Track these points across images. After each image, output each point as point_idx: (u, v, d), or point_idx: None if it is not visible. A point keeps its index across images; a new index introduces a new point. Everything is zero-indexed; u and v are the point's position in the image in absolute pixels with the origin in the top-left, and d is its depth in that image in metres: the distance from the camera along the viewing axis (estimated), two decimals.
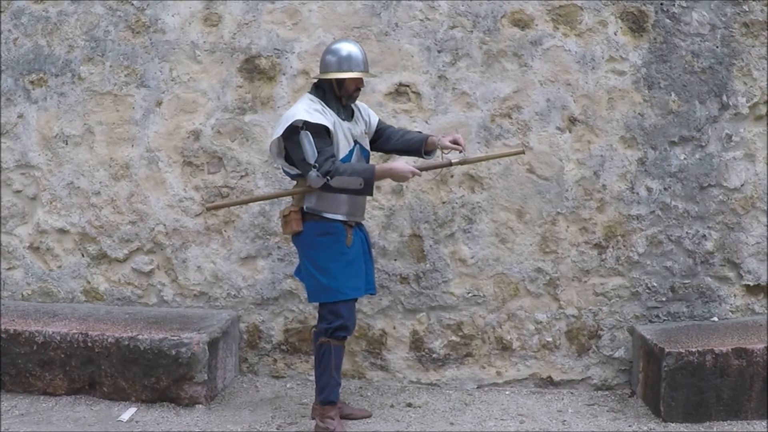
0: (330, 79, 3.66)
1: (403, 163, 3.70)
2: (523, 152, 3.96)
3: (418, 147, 3.85)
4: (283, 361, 4.58)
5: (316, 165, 3.51)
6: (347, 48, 3.67)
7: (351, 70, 3.63)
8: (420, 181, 4.40)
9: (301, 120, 3.53)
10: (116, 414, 4.01)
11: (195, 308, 4.62)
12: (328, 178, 3.51)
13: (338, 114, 3.68)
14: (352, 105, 3.82)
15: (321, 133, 3.56)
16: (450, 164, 3.74)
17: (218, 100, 4.54)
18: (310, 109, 3.58)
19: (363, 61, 3.68)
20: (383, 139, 3.94)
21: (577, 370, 4.46)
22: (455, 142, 3.76)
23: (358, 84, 3.70)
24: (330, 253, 3.67)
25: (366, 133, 3.86)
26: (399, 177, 3.67)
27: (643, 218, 4.40)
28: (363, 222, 3.92)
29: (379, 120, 4.00)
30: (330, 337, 3.71)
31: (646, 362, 4.15)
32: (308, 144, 3.51)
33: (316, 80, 3.76)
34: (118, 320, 4.34)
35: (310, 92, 3.73)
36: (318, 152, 3.52)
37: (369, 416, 4.05)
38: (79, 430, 3.82)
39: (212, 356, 4.16)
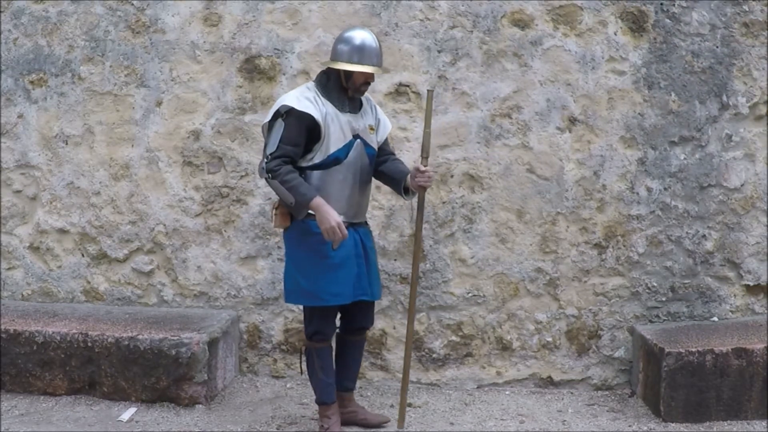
0: (338, 68, 3.53)
1: (335, 215, 3.45)
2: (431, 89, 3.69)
3: (400, 178, 3.68)
4: (283, 361, 4.58)
5: (267, 158, 3.45)
6: (361, 37, 3.51)
7: (361, 63, 3.48)
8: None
9: (287, 106, 3.45)
10: (116, 414, 4.01)
11: (195, 308, 4.62)
12: (269, 176, 3.44)
13: (337, 104, 3.53)
14: (364, 99, 3.68)
15: (303, 123, 3.44)
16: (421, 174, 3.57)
17: (218, 100, 4.54)
18: (301, 96, 3.48)
19: (376, 53, 3.52)
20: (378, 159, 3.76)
21: (577, 370, 4.46)
22: (416, 170, 3.58)
23: (367, 78, 3.54)
24: (312, 255, 3.53)
25: (372, 129, 3.68)
26: (323, 223, 3.43)
27: (643, 218, 4.40)
28: (366, 223, 3.77)
29: (387, 139, 3.81)
30: (310, 341, 3.65)
31: (646, 362, 4.16)
32: (276, 134, 3.44)
33: (324, 68, 3.63)
34: (118, 320, 4.34)
35: (315, 79, 3.62)
36: (279, 146, 3.42)
37: (387, 422, 3.88)
38: (79, 430, 3.82)
39: (212, 356, 4.16)
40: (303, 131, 3.47)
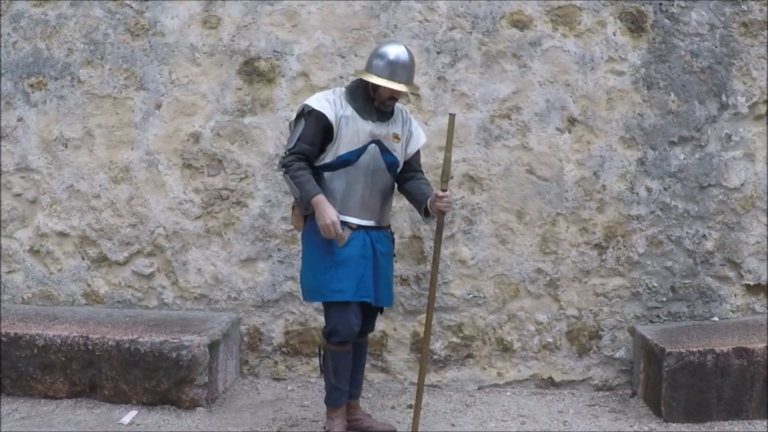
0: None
1: (333, 213, 3.52)
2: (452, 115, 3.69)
3: (421, 200, 3.70)
4: (284, 363, 4.58)
5: (285, 153, 3.60)
6: (395, 53, 3.56)
7: (390, 79, 3.52)
8: None
9: (309, 106, 3.57)
10: (117, 417, 4.01)
11: (195, 311, 4.62)
12: (283, 170, 3.60)
13: (361, 111, 3.58)
14: (397, 110, 3.72)
15: (319, 123, 3.54)
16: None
17: (218, 102, 4.54)
18: (321, 98, 3.60)
19: (408, 71, 3.57)
20: (402, 173, 3.78)
21: (577, 370, 4.46)
22: (436, 197, 3.58)
23: (393, 94, 3.59)
24: (318, 252, 3.62)
25: (397, 138, 3.69)
26: (319, 219, 3.52)
27: (643, 218, 4.40)
28: (386, 229, 3.75)
29: (418, 152, 3.82)
30: (327, 341, 3.67)
31: (647, 362, 4.15)
32: (297, 131, 3.59)
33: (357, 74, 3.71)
34: (119, 323, 4.33)
35: (349, 83, 3.73)
36: (297, 143, 3.57)
37: (393, 431, 3.87)
38: None
39: (213, 359, 4.16)
40: (319, 131, 3.58)
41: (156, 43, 4.56)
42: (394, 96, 3.62)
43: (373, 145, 3.62)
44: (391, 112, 3.70)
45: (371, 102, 3.62)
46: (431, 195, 3.65)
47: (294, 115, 3.70)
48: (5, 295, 4.79)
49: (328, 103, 3.56)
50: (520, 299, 4.46)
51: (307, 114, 3.56)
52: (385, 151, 3.66)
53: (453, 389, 4.47)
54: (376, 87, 3.58)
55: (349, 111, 3.58)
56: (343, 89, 3.68)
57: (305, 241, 3.72)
